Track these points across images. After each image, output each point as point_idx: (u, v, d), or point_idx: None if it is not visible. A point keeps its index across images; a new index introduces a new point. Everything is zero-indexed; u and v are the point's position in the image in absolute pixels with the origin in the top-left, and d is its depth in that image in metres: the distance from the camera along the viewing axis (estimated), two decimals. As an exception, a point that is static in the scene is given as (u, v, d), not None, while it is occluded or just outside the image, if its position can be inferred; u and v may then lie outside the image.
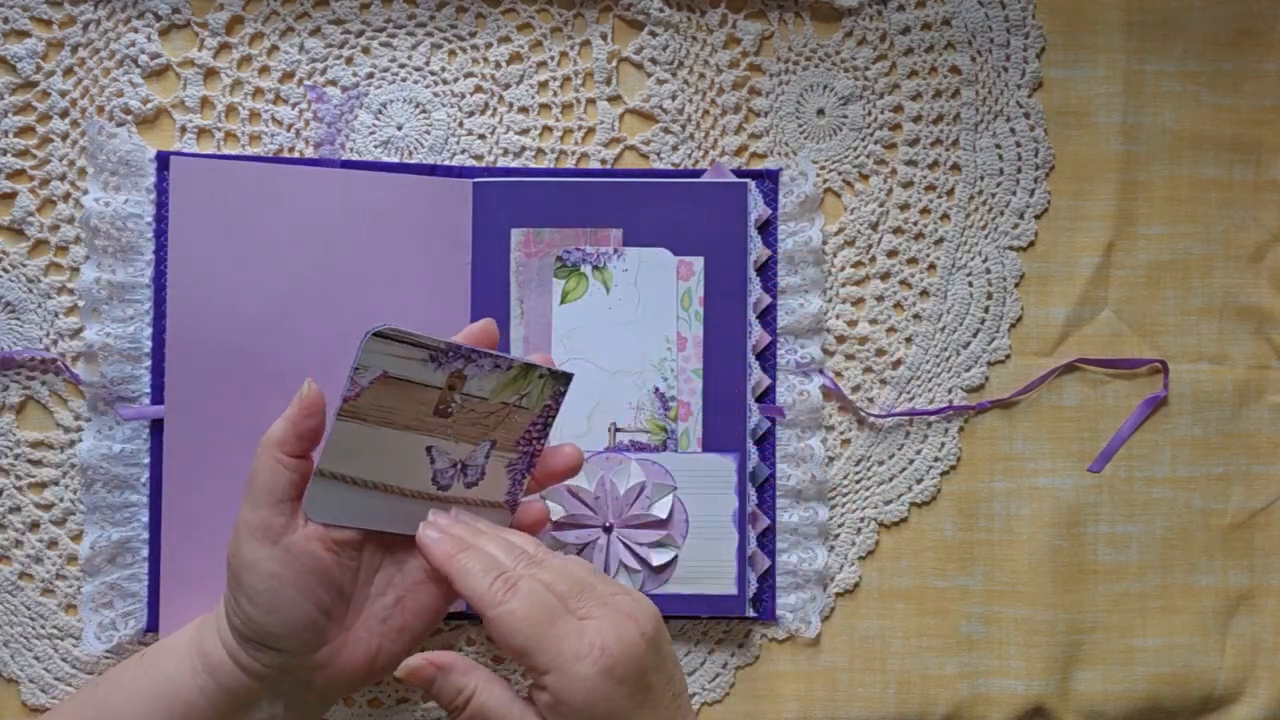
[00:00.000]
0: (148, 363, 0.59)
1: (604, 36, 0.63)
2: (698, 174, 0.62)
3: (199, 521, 0.58)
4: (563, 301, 0.61)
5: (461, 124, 0.62)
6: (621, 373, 0.61)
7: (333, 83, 0.62)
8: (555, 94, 0.63)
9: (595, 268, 0.61)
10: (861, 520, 0.64)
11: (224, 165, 0.59)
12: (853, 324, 0.64)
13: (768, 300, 0.62)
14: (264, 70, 0.62)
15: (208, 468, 0.58)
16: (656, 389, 0.61)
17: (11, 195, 0.60)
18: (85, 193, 0.60)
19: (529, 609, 0.45)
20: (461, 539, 0.49)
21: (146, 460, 0.59)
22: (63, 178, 0.60)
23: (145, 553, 0.59)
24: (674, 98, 0.63)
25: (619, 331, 0.61)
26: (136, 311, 0.59)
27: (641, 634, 0.46)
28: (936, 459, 0.64)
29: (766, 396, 0.62)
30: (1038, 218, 0.65)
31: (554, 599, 0.46)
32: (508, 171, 0.62)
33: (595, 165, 0.63)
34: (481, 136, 0.62)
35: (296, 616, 0.49)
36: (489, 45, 0.63)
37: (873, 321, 0.64)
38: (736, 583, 0.61)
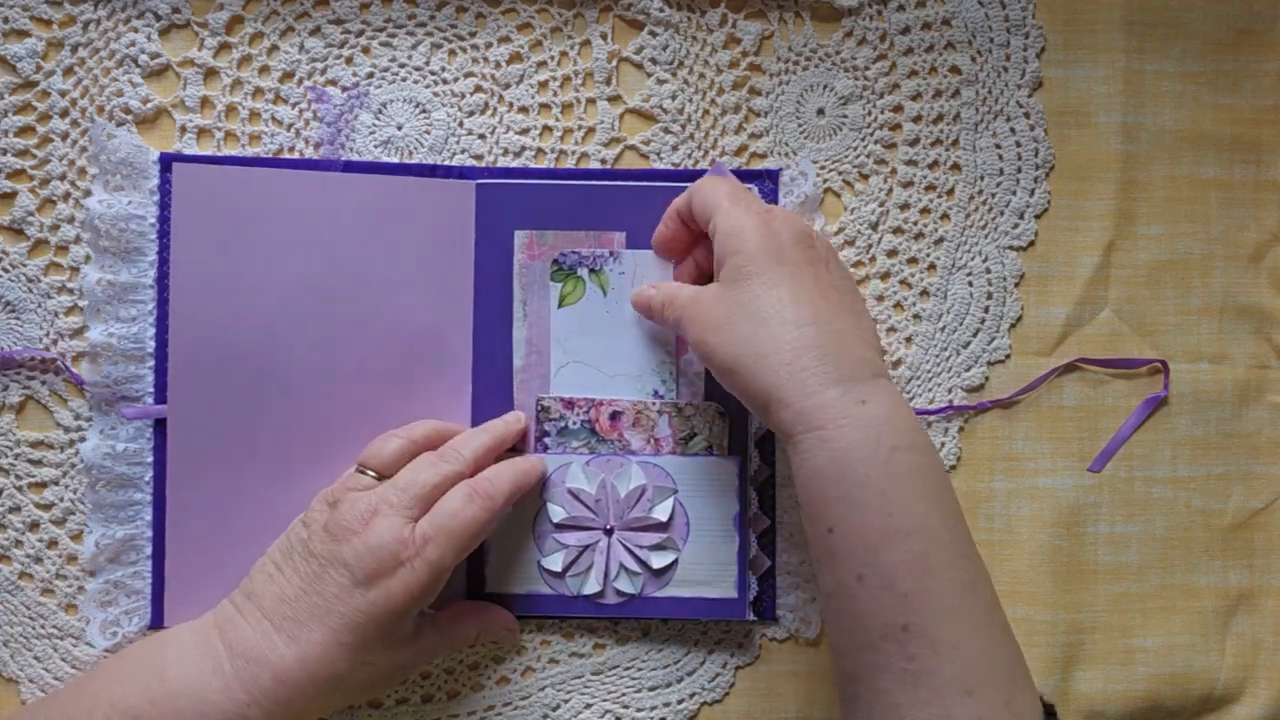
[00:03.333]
0: (151, 363, 0.59)
1: (604, 36, 0.63)
2: (698, 174, 0.62)
3: (202, 519, 0.58)
4: (560, 305, 0.61)
5: (461, 124, 0.62)
6: (620, 376, 0.61)
7: (333, 83, 0.62)
8: (555, 94, 0.63)
9: (592, 271, 0.61)
10: (862, 520, 0.64)
11: (226, 171, 0.59)
12: (853, 324, 0.64)
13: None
14: (264, 70, 0.62)
15: (210, 466, 0.58)
16: (655, 392, 0.61)
17: (11, 195, 0.60)
18: (86, 193, 0.60)
19: (732, 186, 0.55)
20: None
21: (150, 459, 0.59)
22: (63, 178, 0.60)
23: (149, 551, 0.59)
24: (674, 98, 0.63)
25: (617, 335, 0.61)
26: (139, 312, 0.59)
27: (802, 221, 0.54)
28: (936, 459, 0.64)
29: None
30: (1038, 218, 0.65)
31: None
32: (510, 173, 0.62)
33: (595, 165, 0.63)
34: (481, 136, 0.62)
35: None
36: (489, 45, 0.63)
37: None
38: (737, 586, 0.61)
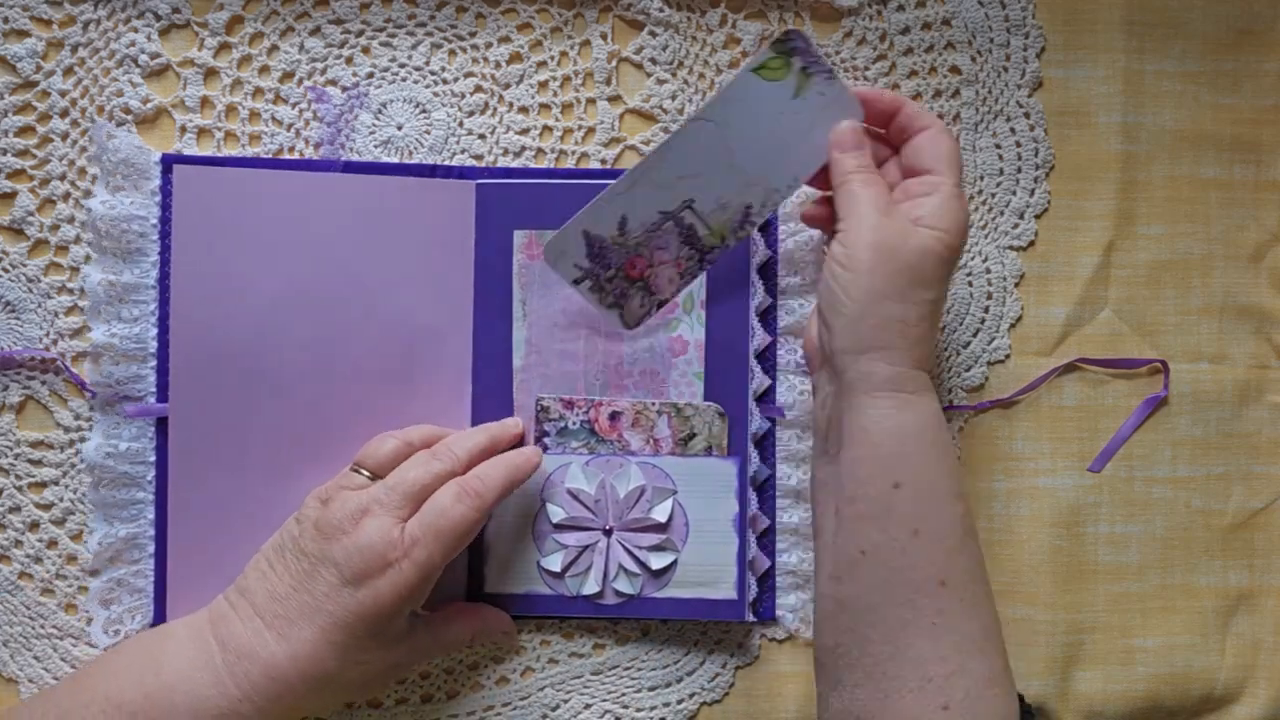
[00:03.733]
0: (153, 363, 0.59)
1: (604, 36, 0.63)
2: (698, 174, 0.62)
3: (204, 517, 0.59)
4: (757, 70, 0.56)
5: (461, 124, 0.62)
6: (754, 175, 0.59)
7: (333, 83, 0.62)
8: (555, 94, 0.63)
9: (805, 71, 0.56)
10: (861, 520, 0.64)
11: (227, 172, 0.59)
12: (853, 324, 0.64)
13: (768, 301, 0.62)
14: (264, 70, 0.62)
15: (212, 464, 0.58)
16: (781, 188, 0.59)
17: (11, 195, 0.60)
18: (86, 193, 0.60)
19: (877, 190, 0.54)
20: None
21: (152, 459, 0.59)
22: (63, 178, 0.60)
23: (151, 549, 0.59)
24: (674, 98, 0.63)
25: (781, 134, 0.58)
26: (141, 312, 0.59)
27: (950, 241, 0.53)
28: (936, 459, 0.64)
29: (766, 397, 0.62)
30: (1038, 218, 0.65)
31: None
32: (510, 173, 0.62)
33: (595, 165, 0.63)
34: (481, 136, 0.62)
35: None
36: (489, 45, 0.63)
37: (873, 321, 0.64)
38: (737, 587, 0.61)
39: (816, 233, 0.62)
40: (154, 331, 0.59)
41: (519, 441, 0.60)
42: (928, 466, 0.51)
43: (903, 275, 0.52)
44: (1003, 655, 0.51)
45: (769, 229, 0.62)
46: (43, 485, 0.60)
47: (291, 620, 0.52)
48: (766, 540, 0.62)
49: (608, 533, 0.60)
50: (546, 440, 0.61)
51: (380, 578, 0.52)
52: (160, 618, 0.59)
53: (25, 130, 0.60)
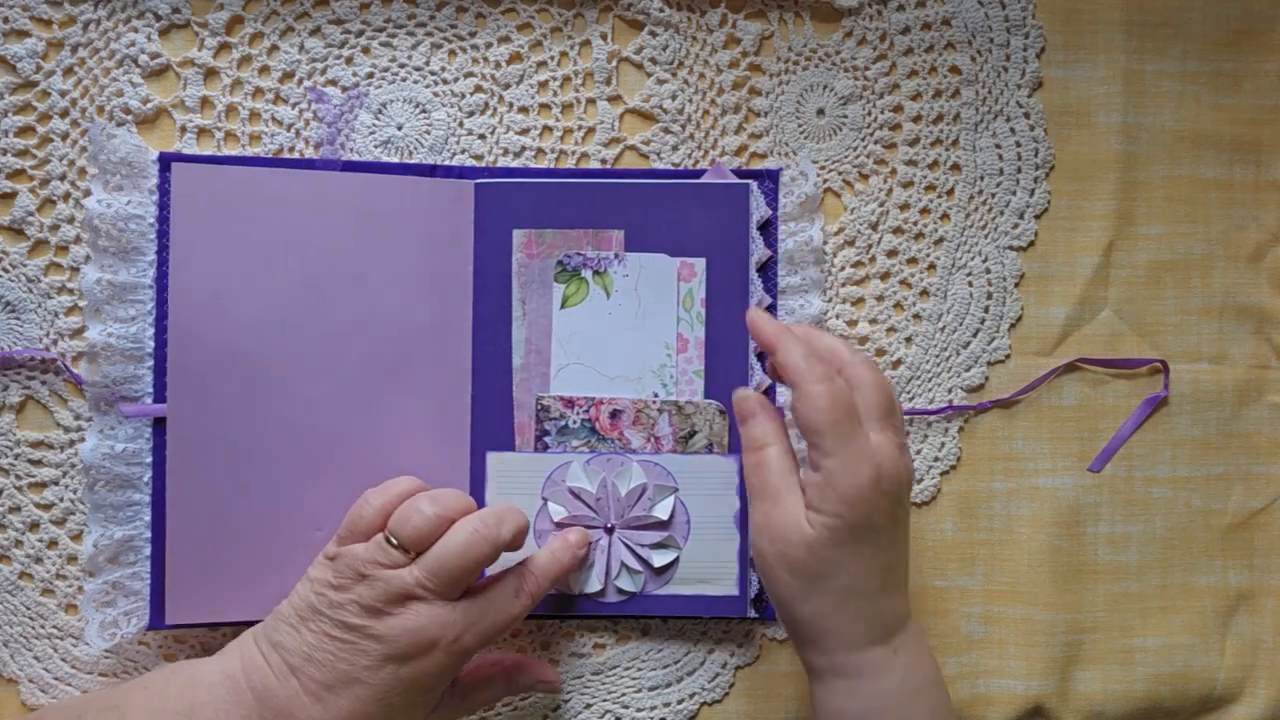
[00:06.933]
0: (150, 363, 0.59)
1: (604, 36, 0.63)
2: (698, 174, 0.62)
3: (203, 518, 0.58)
4: (563, 306, 0.61)
5: (461, 124, 0.62)
6: (620, 379, 0.61)
7: (333, 83, 0.62)
8: (555, 94, 0.63)
9: (596, 272, 0.61)
10: (862, 520, 0.64)
11: (226, 171, 0.59)
12: (853, 324, 0.64)
13: (768, 301, 0.62)
14: (264, 70, 0.62)
15: (211, 465, 0.58)
16: (655, 394, 0.61)
17: (11, 195, 0.60)
18: (86, 193, 0.60)
19: (834, 400, 0.50)
20: (788, 327, 0.54)
21: (149, 460, 0.59)
22: (63, 178, 0.60)
23: (148, 551, 0.59)
24: (674, 98, 0.63)
25: (618, 337, 0.61)
26: (139, 311, 0.59)
27: (908, 471, 0.51)
28: (936, 459, 0.64)
29: (766, 396, 0.62)
30: (1038, 218, 0.65)
31: (854, 404, 0.50)
32: (509, 172, 0.62)
33: (595, 165, 0.63)
34: (481, 136, 0.62)
35: None
36: (489, 45, 0.63)
37: (873, 321, 0.64)
38: (738, 584, 0.61)
39: (816, 233, 0.62)
40: (151, 331, 0.59)
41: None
42: None
43: (797, 575, 0.50)
44: None
45: (769, 229, 0.62)
46: (43, 485, 0.60)
47: (329, 686, 0.51)
48: (767, 540, 0.62)
49: (609, 531, 0.60)
50: (547, 439, 0.61)
51: (427, 658, 0.52)
52: (157, 621, 0.59)
53: (25, 130, 0.60)
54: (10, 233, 0.60)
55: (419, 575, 0.52)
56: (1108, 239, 0.65)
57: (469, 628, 0.52)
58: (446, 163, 0.62)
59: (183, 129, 0.61)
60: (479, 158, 0.62)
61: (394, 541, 0.52)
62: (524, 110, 0.63)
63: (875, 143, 0.64)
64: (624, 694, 0.62)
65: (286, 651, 0.52)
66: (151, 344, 0.59)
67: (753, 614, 0.61)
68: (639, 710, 0.62)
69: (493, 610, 0.53)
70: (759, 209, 0.62)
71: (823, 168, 0.64)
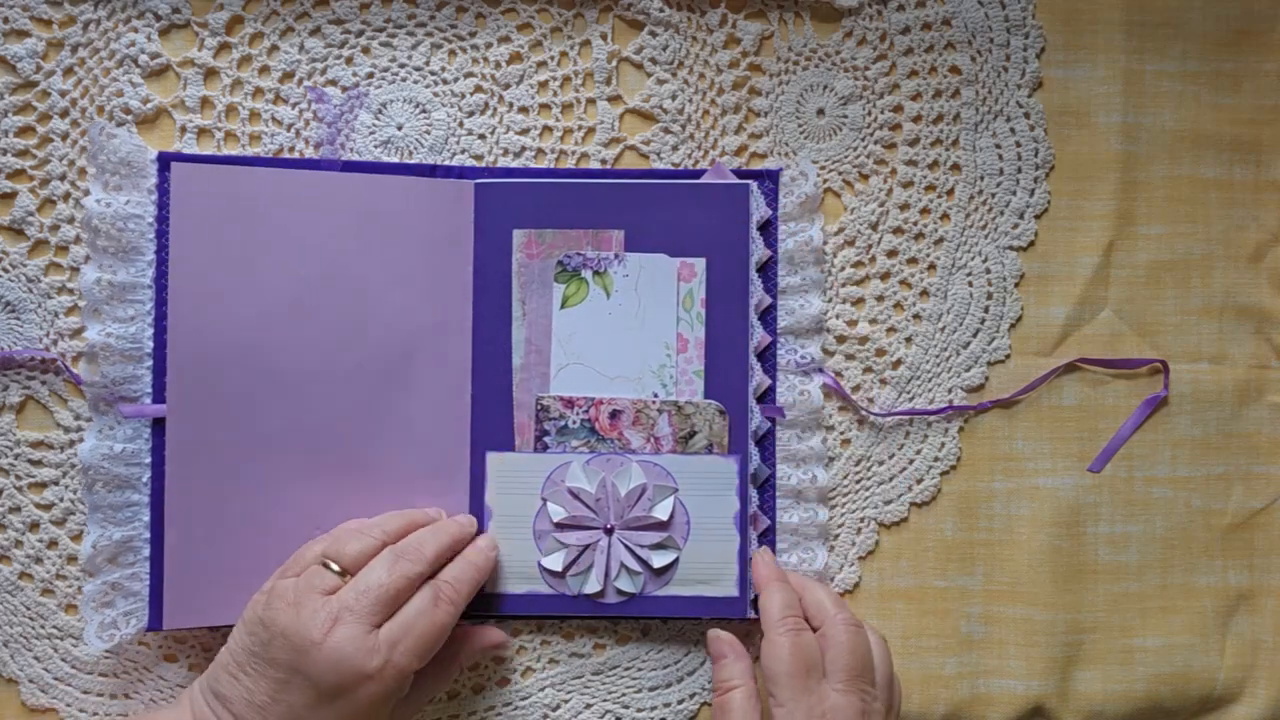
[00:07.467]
0: (149, 362, 0.59)
1: (604, 36, 0.63)
2: (698, 174, 0.62)
3: (202, 519, 0.58)
4: (563, 306, 0.61)
5: (461, 124, 0.62)
6: (620, 379, 0.61)
7: (333, 83, 0.62)
8: (555, 94, 0.63)
9: (596, 273, 0.61)
10: (861, 520, 0.64)
11: (225, 170, 0.59)
12: (853, 324, 0.64)
13: (768, 301, 0.62)
14: (264, 70, 0.62)
15: (210, 465, 0.58)
16: (654, 394, 0.61)
17: (11, 195, 0.60)
18: (85, 193, 0.60)
19: (795, 653, 0.54)
20: (784, 573, 0.60)
21: (147, 460, 0.59)
22: (63, 178, 0.60)
23: (147, 552, 0.59)
24: (674, 98, 0.63)
25: (618, 337, 0.61)
26: (138, 311, 0.59)
27: None
28: (936, 459, 0.64)
29: (767, 397, 0.62)
30: (1038, 218, 0.65)
31: (818, 661, 0.55)
32: (509, 172, 0.62)
33: (595, 165, 0.63)
34: (481, 136, 0.62)
35: None
36: (489, 45, 0.63)
37: (873, 321, 0.64)
38: (738, 584, 0.61)
39: (816, 233, 0.62)
40: (150, 331, 0.59)
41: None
42: None
43: None
44: None
45: (769, 229, 0.62)
46: (43, 485, 0.60)
47: None
48: (767, 539, 0.62)
49: (609, 531, 0.60)
50: (547, 439, 0.61)
51: (358, 690, 0.51)
52: (156, 622, 0.59)
53: (25, 130, 0.60)
54: (10, 233, 0.60)
55: (345, 597, 0.52)
56: (1108, 239, 0.65)
57: (394, 647, 0.52)
58: (446, 163, 0.62)
59: (183, 129, 0.61)
60: (479, 158, 0.62)
61: (331, 566, 0.54)
62: (524, 110, 0.63)
63: (875, 143, 0.64)
64: (624, 694, 0.62)
65: (229, 701, 0.52)
66: (150, 344, 0.59)
67: (752, 615, 0.61)
68: (639, 710, 0.62)
69: (417, 624, 0.53)
70: (759, 209, 0.62)
71: (823, 168, 0.64)
